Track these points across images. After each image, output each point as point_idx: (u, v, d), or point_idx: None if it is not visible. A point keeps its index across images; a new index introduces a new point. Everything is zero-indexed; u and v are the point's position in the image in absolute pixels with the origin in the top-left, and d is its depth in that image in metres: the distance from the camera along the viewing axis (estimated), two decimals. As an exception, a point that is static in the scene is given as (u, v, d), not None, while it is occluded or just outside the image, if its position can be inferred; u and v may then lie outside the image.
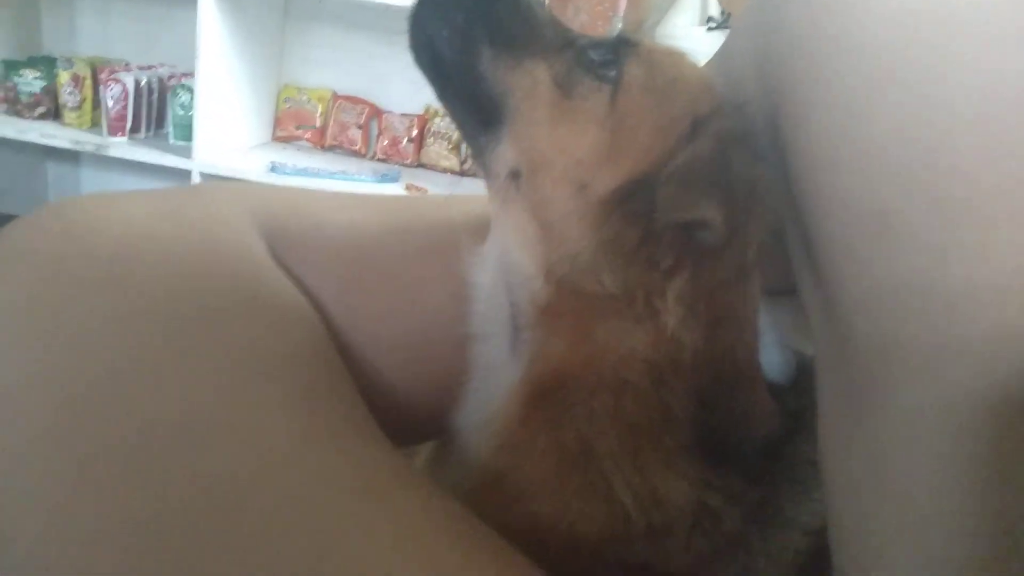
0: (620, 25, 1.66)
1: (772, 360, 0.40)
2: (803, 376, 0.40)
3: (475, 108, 0.34)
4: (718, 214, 0.28)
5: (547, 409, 0.30)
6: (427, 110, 1.93)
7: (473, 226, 0.35)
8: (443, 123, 1.91)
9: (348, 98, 1.95)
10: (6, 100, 1.78)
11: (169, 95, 1.77)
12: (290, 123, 1.97)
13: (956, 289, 0.21)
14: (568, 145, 0.31)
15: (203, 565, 0.22)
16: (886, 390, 0.23)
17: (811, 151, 0.26)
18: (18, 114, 1.77)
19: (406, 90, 1.94)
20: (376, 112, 1.95)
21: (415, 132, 1.92)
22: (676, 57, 0.34)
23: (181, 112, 1.75)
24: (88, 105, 1.78)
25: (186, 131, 1.71)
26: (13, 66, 1.77)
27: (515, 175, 0.32)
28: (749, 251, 0.31)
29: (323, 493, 0.24)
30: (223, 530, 0.22)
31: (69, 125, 1.78)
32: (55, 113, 1.81)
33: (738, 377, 0.32)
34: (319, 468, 0.24)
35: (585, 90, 0.32)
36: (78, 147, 1.70)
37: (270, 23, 1.86)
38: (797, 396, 0.38)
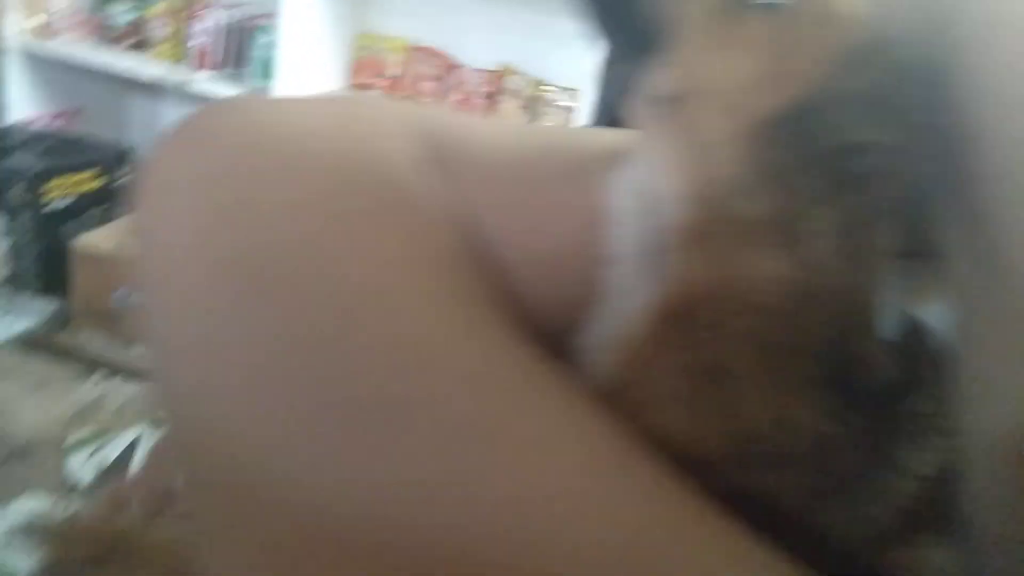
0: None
1: (888, 319, 0.41)
2: (916, 338, 0.40)
3: (635, 33, 0.34)
4: (881, 137, 0.29)
5: (681, 329, 0.32)
6: (502, 67, 1.93)
7: (607, 153, 0.37)
8: (516, 81, 1.91)
9: (424, 50, 1.96)
10: (98, 30, 1.84)
11: (253, 35, 1.80)
12: (366, 71, 1.99)
13: None
14: (731, 70, 0.32)
15: (388, 424, 0.24)
16: None
17: (984, 107, 0.26)
18: (108, 45, 1.83)
19: (483, 46, 1.94)
20: (451, 66, 1.96)
21: (489, 88, 1.92)
22: None
23: (262, 52, 1.79)
24: (176, 39, 1.83)
25: (267, 71, 1.75)
26: (107, -3, 1.83)
27: (672, 100, 0.33)
28: (899, 184, 0.31)
29: (498, 377, 0.26)
30: (410, 400, 0.24)
31: (157, 58, 1.83)
32: (144, 45, 1.86)
33: (866, 318, 0.33)
34: (488, 351, 0.26)
35: (751, 20, 0.33)
36: (164, 80, 1.75)
37: (354, -32, 1.88)
38: (910, 356, 0.38)
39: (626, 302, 0.34)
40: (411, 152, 0.33)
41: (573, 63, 1.85)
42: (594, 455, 0.27)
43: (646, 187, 0.34)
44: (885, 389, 0.35)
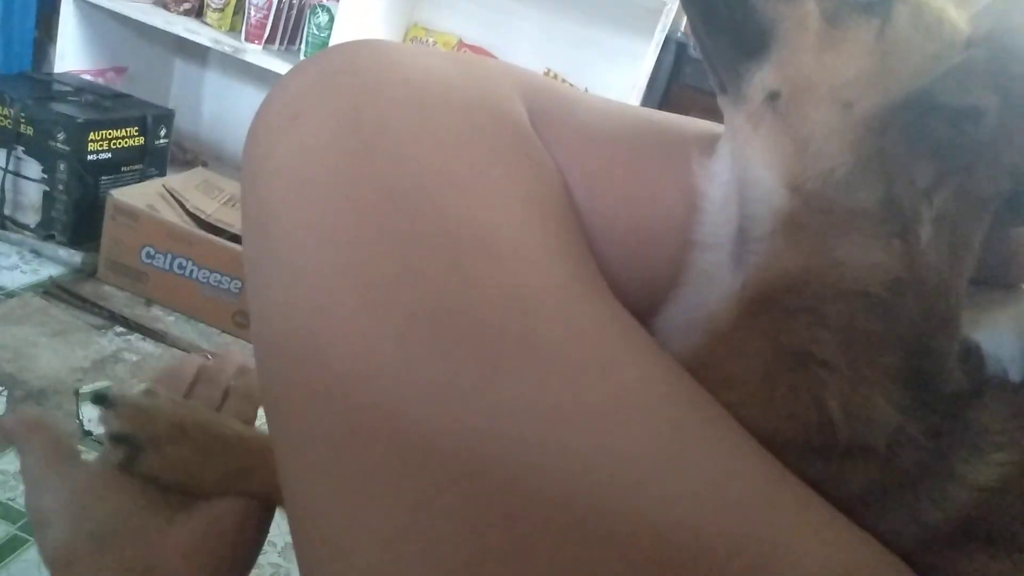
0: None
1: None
2: (969, 356, 0.41)
3: (739, 38, 0.36)
4: (991, 102, 0.30)
5: (768, 313, 0.33)
6: (547, 73, 1.95)
7: (703, 139, 0.38)
8: (559, 89, 1.92)
9: (472, 47, 1.98)
10: (157, -9, 1.86)
11: (308, 13, 1.83)
12: (412, 62, 2.01)
13: None
14: (835, 69, 0.33)
15: (498, 357, 0.24)
16: None
17: None
18: (166, 6, 1.86)
19: (529, 48, 1.96)
20: (497, 66, 1.98)
21: (531, 92, 1.94)
22: (942, 1, 0.36)
23: (316, 32, 1.80)
24: (230, 9, 1.86)
25: (317, 50, 1.76)
26: (169, -40, 1.85)
27: (774, 97, 0.34)
28: (1011, 167, 0.32)
29: (598, 329, 0.27)
30: (519, 333, 0.25)
31: (210, 25, 1.85)
32: (199, 11, 1.89)
33: (949, 319, 0.34)
34: (593, 309, 0.27)
35: (854, 23, 0.34)
36: (216, 46, 1.77)
37: (413, -39, 1.90)
38: (966, 371, 0.39)
39: (712, 285, 0.35)
40: (522, 108, 0.34)
41: (617, 75, 1.87)
42: (691, 413, 0.28)
43: (740, 176, 0.35)
44: (954, 396, 0.36)
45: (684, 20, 1.73)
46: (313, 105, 0.30)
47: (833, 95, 0.33)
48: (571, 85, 1.91)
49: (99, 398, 0.43)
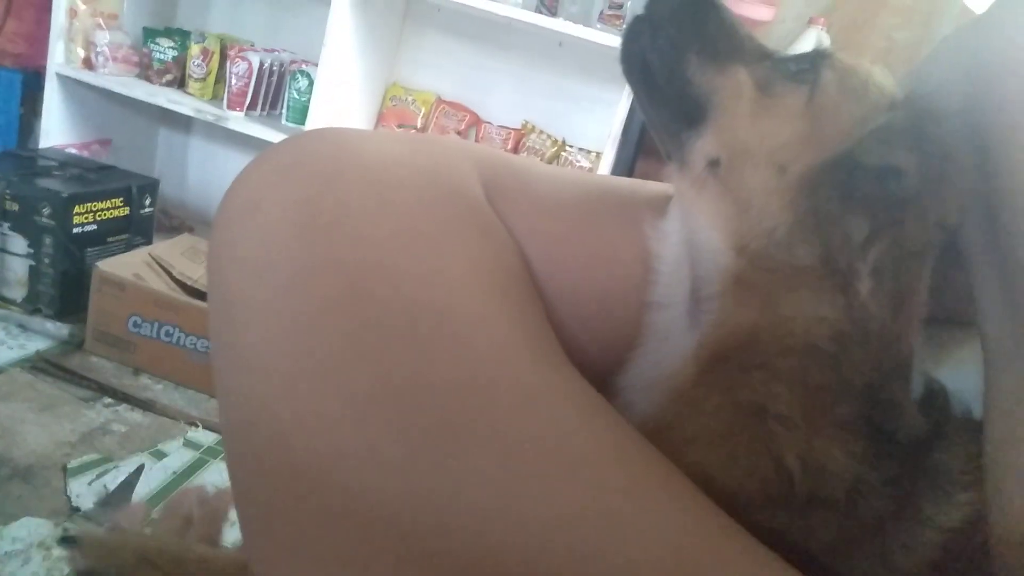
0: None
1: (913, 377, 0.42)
2: (934, 397, 0.42)
3: (679, 109, 0.38)
4: (910, 162, 0.31)
5: (723, 371, 0.33)
6: (524, 125, 1.99)
7: (656, 202, 0.39)
8: (537, 139, 1.96)
9: (451, 104, 2.02)
10: (140, 64, 1.90)
11: (288, 78, 1.87)
12: (393, 120, 2.05)
13: None
14: (769, 134, 0.35)
15: (456, 434, 0.25)
16: None
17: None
18: (148, 79, 1.90)
19: (507, 103, 2.00)
20: (476, 121, 2.02)
21: (511, 144, 1.97)
22: (867, 66, 0.38)
23: (296, 96, 1.84)
24: (212, 78, 1.90)
25: (299, 114, 1.80)
26: (151, 34, 1.90)
27: (714, 163, 0.36)
28: (939, 223, 0.33)
29: (555, 399, 0.27)
30: (477, 408, 0.26)
31: (192, 95, 1.89)
32: (181, 82, 1.93)
33: (900, 367, 0.35)
34: (549, 379, 0.28)
35: (785, 90, 0.36)
36: (199, 115, 1.80)
37: (389, 23, 1.96)
38: (930, 413, 0.40)
39: (669, 344, 0.36)
40: (477, 184, 0.35)
41: (593, 124, 1.92)
42: (644, 477, 0.29)
43: (689, 239, 0.36)
44: (914, 440, 0.37)
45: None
46: (272, 195, 0.31)
47: (768, 159, 0.34)
48: (550, 136, 1.95)
49: (66, 540, 0.44)
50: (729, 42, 0.38)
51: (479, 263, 0.31)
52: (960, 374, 0.42)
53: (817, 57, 0.38)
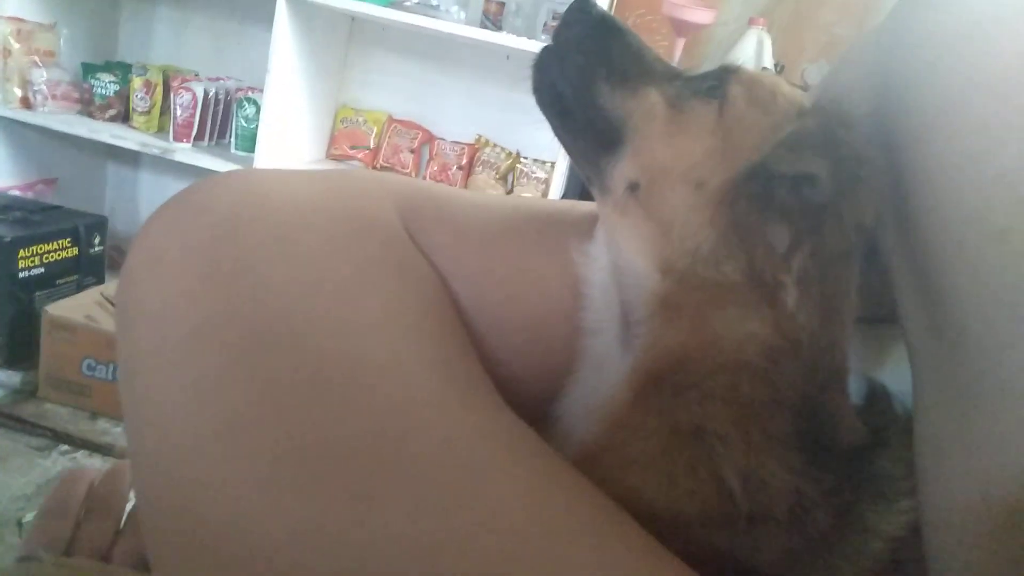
0: (674, 70, 1.71)
1: (851, 382, 0.42)
2: (876, 400, 0.42)
3: (594, 136, 0.37)
4: (823, 168, 0.31)
5: (659, 393, 0.33)
6: (478, 139, 1.98)
7: (584, 224, 0.39)
8: (492, 152, 1.96)
9: (403, 122, 2.01)
10: (81, 101, 1.86)
11: (234, 106, 1.84)
12: (345, 142, 2.03)
13: None
14: (684, 152, 0.35)
15: (367, 492, 0.24)
16: (996, 384, 0.25)
17: (933, 171, 0.29)
18: (91, 115, 1.86)
19: (459, 119, 2.00)
20: (429, 138, 2.01)
21: (465, 160, 1.97)
22: (773, 78, 0.38)
23: (244, 124, 1.82)
24: (156, 111, 1.87)
25: (248, 142, 1.78)
26: (91, 69, 1.86)
27: (633, 187, 0.35)
28: (857, 225, 0.33)
29: (473, 442, 0.26)
30: (388, 462, 0.25)
31: (137, 128, 1.86)
32: (125, 116, 1.89)
33: (835, 375, 0.35)
34: (468, 421, 0.27)
35: (696, 107, 0.36)
36: (145, 149, 1.77)
37: (335, 45, 1.94)
38: (871, 417, 0.40)
39: (604, 369, 0.35)
40: (395, 221, 0.34)
41: (546, 135, 1.91)
42: (569, 521, 0.28)
43: (615, 263, 0.36)
44: (854, 448, 0.37)
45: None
46: (174, 245, 0.30)
47: (685, 177, 0.34)
48: (504, 149, 1.95)
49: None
50: (637, 65, 0.38)
51: (393, 305, 0.30)
52: (902, 373, 0.42)
53: (724, 72, 0.38)
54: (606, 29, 0.38)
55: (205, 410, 0.26)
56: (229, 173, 0.33)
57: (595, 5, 0.39)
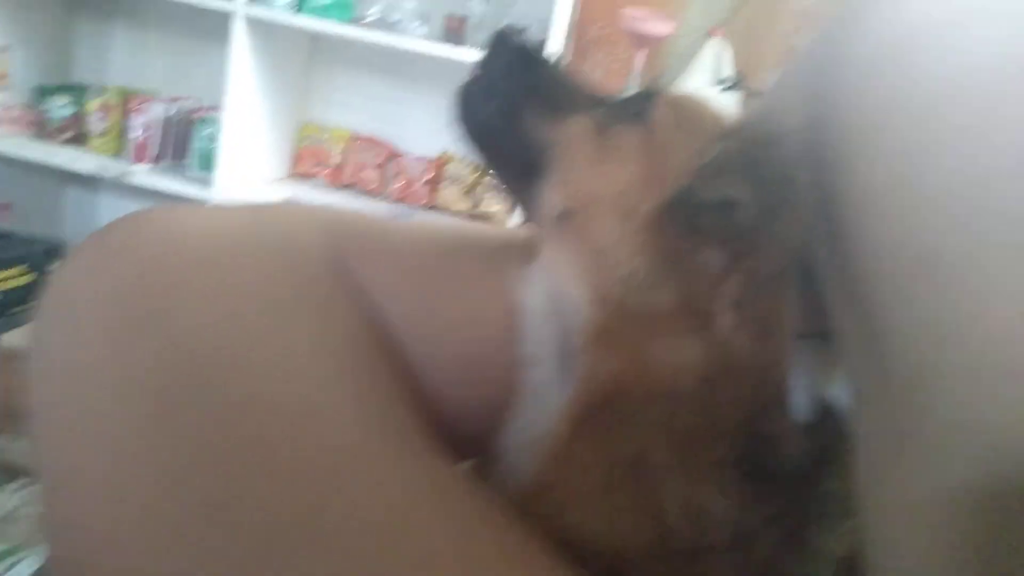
0: (636, 82, 1.72)
1: (798, 400, 0.42)
2: (826, 418, 0.42)
3: (522, 166, 0.37)
4: (745, 192, 0.31)
5: (598, 424, 0.32)
6: (443, 154, 1.98)
7: (523, 252, 0.38)
8: (457, 168, 1.96)
9: (366, 139, 2.00)
10: (35, 124, 1.82)
11: (194, 127, 1.82)
12: (309, 160, 2.01)
13: (990, 325, 0.23)
14: (612, 179, 0.34)
15: (277, 557, 0.23)
16: (922, 413, 0.25)
17: (859, 195, 0.29)
18: (46, 138, 1.82)
19: (423, 134, 2.00)
20: (393, 154, 2.00)
21: (430, 175, 1.96)
22: (698, 97, 0.38)
23: (204, 144, 1.80)
24: (114, 132, 1.83)
25: (208, 162, 1.75)
26: (45, 92, 1.82)
27: (565, 214, 0.35)
28: (788, 245, 0.33)
29: (401, 500, 0.25)
30: (303, 520, 0.24)
31: (94, 151, 1.82)
32: (82, 139, 1.86)
33: (775, 397, 0.34)
34: (396, 476, 0.26)
35: (622, 133, 0.36)
36: (102, 172, 1.73)
37: (295, 63, 1.93)
38: (821, 436, 0.40)
39: (544, 402, 0.35)
40: (323, 255, 0.33)
41: (512, 149, 1.91)
42: (500, 565, 0.27)
43: (552, 291, 0.35)
44: (798, 470, 0.36)
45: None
46: (84, 292, 0.28)
47: (615, 204, 0.34)
48: (469, 164, 1.95)
49: None
50: (563, 94, 0.38)
51: (320, 348, 0.29)
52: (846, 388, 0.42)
53: (649, 95, 0.38)
54: (530, 59, 0.38)
55: (110, 471, 0.25)
56: (150, 211, 0.32)
57: (517, 35, 0.39)
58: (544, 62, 0.38)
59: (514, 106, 0.37)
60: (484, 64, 0.38)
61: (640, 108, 0.36)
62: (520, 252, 0.39)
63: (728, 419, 0.33)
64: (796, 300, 0.36)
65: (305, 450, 0.25)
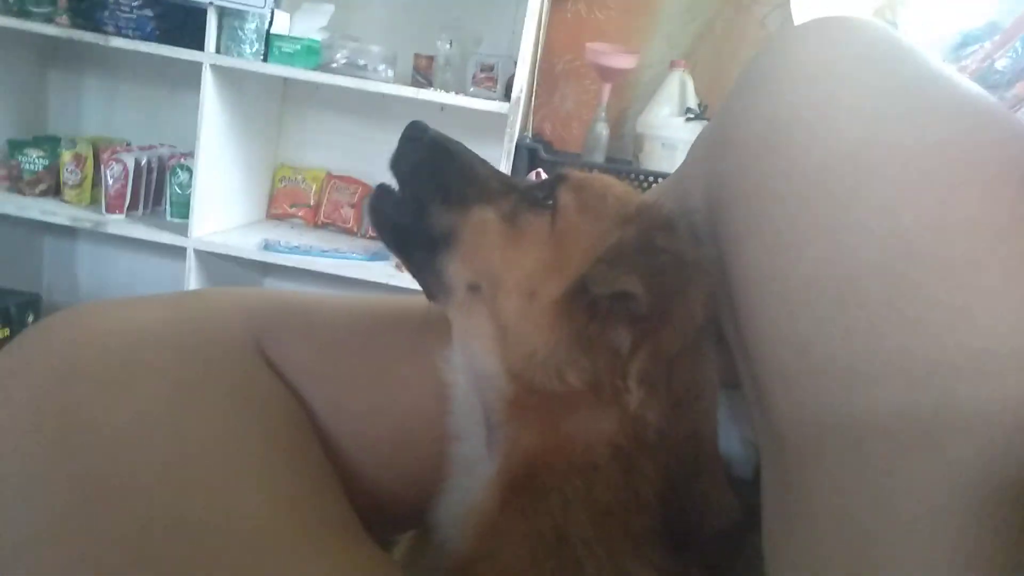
0: (603, 114, 1.75)
1: (734, 453, 0.43)
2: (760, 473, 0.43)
3: (429, 245, 0.38)
4: (638, 285, 0.32)
5: (522, 498, 0.33)
6: (418, 190, 1.99)
7: (442, 328, 0.39)
8: (433, 203, 1.97)
9: (341, 178, 2.02)
10: (9, 178, 1.83)
11: (168, 174, 1.83)
12: (284, 201, 2.02)
13: (861, 410, 0.25)
14: (515, 264, 0.35)
15: None
16: (808, 496, 0.26)
17: (745, 280, 0.30)
18: (20, 191, 1.82)
19: (398, 171, 2.01)
20: (369, 192, 2.01)
21: (406, 211, 1.97)
22: (604, 179, 0.39)
23: (179, 191, 1.81)
24: (88, 183, 1.84)
25: (183, 209, 1.76)
26: (18, 146, 1.83)
27: (474, 287, 0.36)
28: (689, 325, 0.34)
29: None
30: None
31: (69, 202, 1.83)
32: (56, 190, 1.86)
33: (700, 463, 0.35)
34: (300, 558, 0.27)
35: (528, 219, 0.37)
36: (76, 224, 1.74)
37: (268, 106, 1.95)
38: (758, 491, 0.40)
39: (472, 474, 0.36)
40: (247, 343, 0.34)
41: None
42: None
43: (469, 365, 0.36)
44: (729, 530, 0.37)
45: (530, 127, 1.83)
46: (5, 397, 0.29)
47: (518, 287, 0.35)
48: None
49: None
50: (469, 186, 0.39)
51: (240, 445, 0.29)
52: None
53: (556, 180, 0.39)
54: (438, 153, 0.39)
55: (41, 559, 0.25)
56: (71, 310, 0.33)
57: (426, 130, 0.40)
58: (453, 155, 0.40)
59: (421, 201, 0.38)
60: (396, 161, 0.39)
61: (546, 194, 0.37)
62: (441, 324, 0.40)
63: (648, 490, 0.33)
64: (721, 358, 0.37)
65: (211, 557, 0.26)
